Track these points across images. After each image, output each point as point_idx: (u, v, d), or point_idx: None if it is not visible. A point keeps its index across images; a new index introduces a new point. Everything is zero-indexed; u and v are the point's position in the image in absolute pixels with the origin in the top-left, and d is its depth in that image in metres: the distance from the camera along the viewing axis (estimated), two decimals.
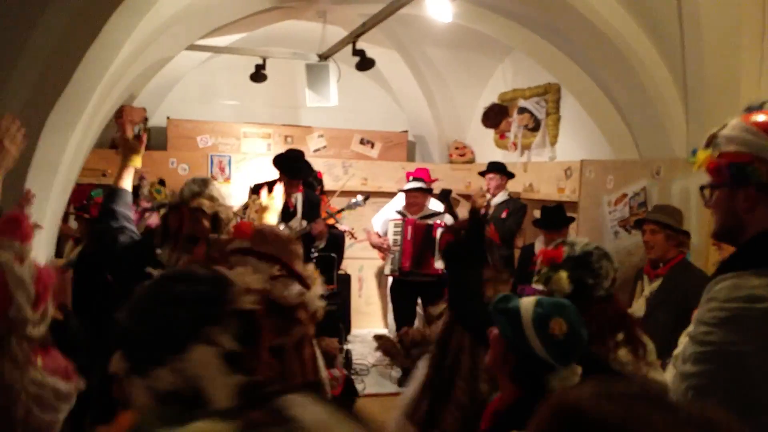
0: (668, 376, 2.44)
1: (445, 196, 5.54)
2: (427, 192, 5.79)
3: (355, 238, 6.38)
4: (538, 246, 4.85)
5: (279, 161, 5.23)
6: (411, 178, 5.99)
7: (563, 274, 2.26)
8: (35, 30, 3.15)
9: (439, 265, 5.49)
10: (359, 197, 5.63)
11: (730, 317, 1.50)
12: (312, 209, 5.37)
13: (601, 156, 5.33)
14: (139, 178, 5.32)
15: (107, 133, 5.99)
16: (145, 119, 7.01)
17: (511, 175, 5.83)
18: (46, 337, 1.72)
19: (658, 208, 3.81)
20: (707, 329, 1.54)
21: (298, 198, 5.32)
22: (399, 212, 5.84)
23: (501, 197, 5.74)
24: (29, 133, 3.43)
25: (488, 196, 5.80)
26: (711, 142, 1.69)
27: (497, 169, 5.77)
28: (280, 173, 5.19)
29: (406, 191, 5.74)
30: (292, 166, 5.19)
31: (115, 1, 3.17)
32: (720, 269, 1.62)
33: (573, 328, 1.77)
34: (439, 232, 5.47)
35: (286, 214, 5.25)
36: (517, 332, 1.80)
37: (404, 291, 5.83)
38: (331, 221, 5.87)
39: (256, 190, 5.30)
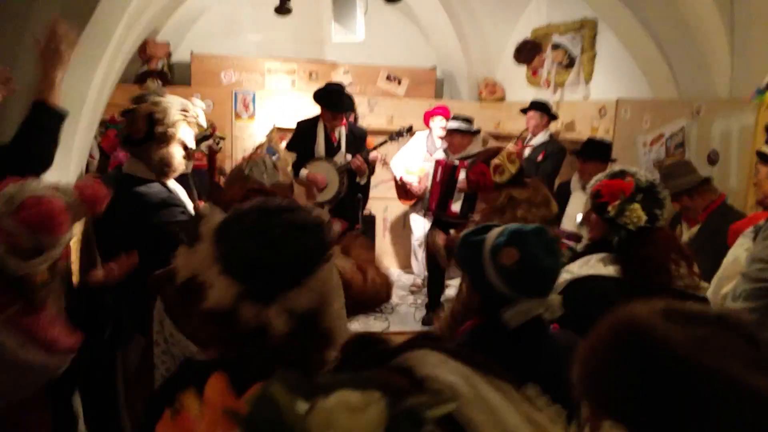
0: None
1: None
2: (467, 132, 5.65)
3: (387, 164, 6.32)
4: (575, 183, 4.74)
5: (320, 95, 5.18)
6: (452, 116, 5.85)
7: (637, 206, 2.24)
8: None
9: (455, 207, 5.40)
10: (402, 129, 5.60)
11: None
12: (356, 143, 5.33)
13: (638, 95, 5.13)
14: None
15: (131, 68, 5.92)
16: (169, 54, 6.90)
17: (553, 117, 5.65)
18: (43, 299, 1.74)
19: (666, 175, 3.59)
20: (763, 266, 1.52)
21: (342, 132, 5.27)
22: (444, 151, 5.77)
23: (540, 138, 5.56)
24: None
25: (529, 135, 5.65)
26: None
27: (539, 107, 5.57)
28: (322, 108, 5.13)
29: (447, 131, 5.66)
30: (334, 100, 5.13)
31: None
32: None
33: (527, 256, 1.66)
34: (462, 173, 5.36)
35: (330, 148, 5.22)
36: (477, 264, 1.72)
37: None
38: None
39: (303, 127, 5.28)
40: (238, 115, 6.81)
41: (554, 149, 5.42)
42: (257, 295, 1.21)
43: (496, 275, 1.68)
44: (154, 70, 6.58)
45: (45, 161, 2.47)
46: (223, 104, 6.76)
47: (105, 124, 5.50)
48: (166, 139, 2.71)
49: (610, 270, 2.23)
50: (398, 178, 6.26)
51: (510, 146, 3.27)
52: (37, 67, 2.52)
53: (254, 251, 1.23)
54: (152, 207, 2.64)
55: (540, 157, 5.37)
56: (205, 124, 2.88)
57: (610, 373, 0.84)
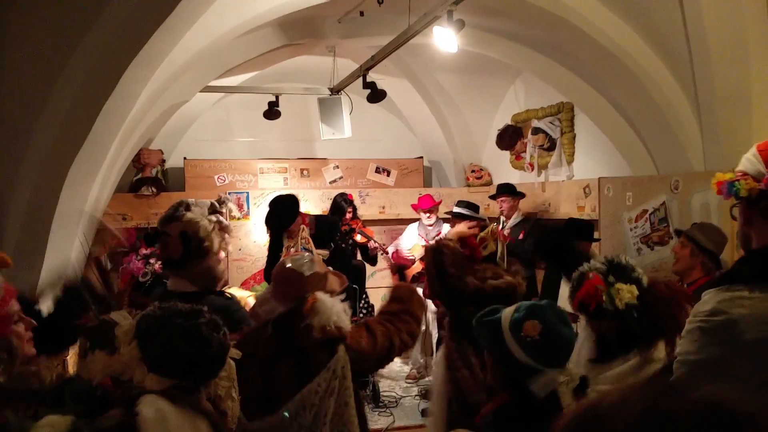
0: None
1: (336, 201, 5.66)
2: (470, 219, 5.57)
3: (386, 252, 6.40)
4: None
5: (267, 220, 5.15)
6: (457, 201, 5.99)
7: (621, 285, 2.23)
8: (54, 86, 3.23)
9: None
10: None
11: (690, 329, 1.61)
12: (324, 234, 5.25)
13: (619, 173, 5.30)
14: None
15: (126, 177, 6.10)
16: (163, 161, 7.11)
17: (521, 195, 5.85)
18: None
19: (698, 226, 3.65)
20: (679, 341, 1.66)
21: (305, 231, 5.26)
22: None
23: (516, 219, 5.77)
24: (52, 186, 3.53)
25: (502, 218, 5.82)
26: None
27: (508, 191, 5.79)
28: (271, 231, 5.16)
29: (452, 215, 5.79)
30: (274, 221, 5.09)
31: (130, 54, 3.25)
32: (708, 285, 1.69)
33: (548, 327, 1.77)
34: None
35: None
36: (498, 341, 1.82)
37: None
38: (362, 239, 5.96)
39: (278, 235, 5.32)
40: (232, 216, 6.93)
41: (532, 227, 5.68)
42: (186, 388, 1.43)
43: (519, 348, 1.78)
44: (148, 177, 6.76)
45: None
46: None
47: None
48: (203, 253, 2.69)
49: (659, 357, 2.20)
50: (390, 254, 6.33)
51: (493, 226, 3.36)
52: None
53: (185, 351, 1.44)
54: (235, 321, 2.60)
55: (521, 236, 5.55)
56: (239, 214, 2.96)
57: None
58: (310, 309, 2.35)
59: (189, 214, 2.75)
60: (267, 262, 5.26)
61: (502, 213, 5.86)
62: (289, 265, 2.47)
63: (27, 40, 3.11)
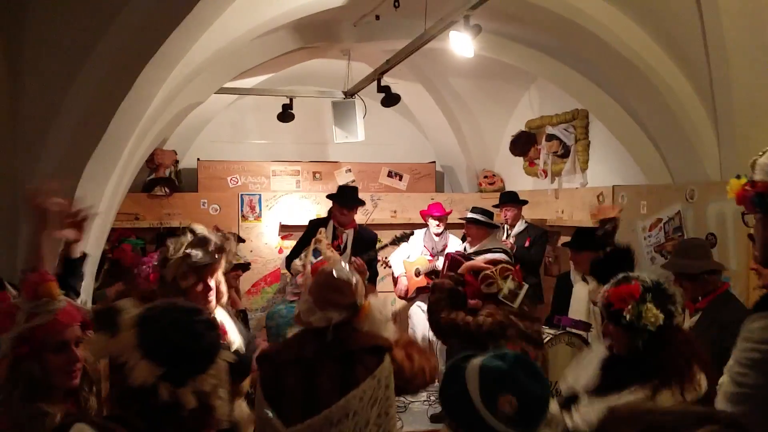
0: None
1: None
2: (484, 225, 5.54)
3: (390, 266, 6.39)
4: (575, 275, 4.75)
5: (333, 194, 5.52)
6: (472, 207, 5.88)
7: (651, 306, 2.23)
8: (71, 86, 3.25)
9: None
10: (405, 234, 5.74)
11: (763, 359, 1.49)
12: (364, 245, 5.37)
13: (633, 181, 5.27)
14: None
15: (139, 177, 6.12)
16: (176, 161, 7.14)
17: (524, 203, 5.85)
18: None
19: (679, 252, 3.54)
20: (742, 370, 1.52)
21: (349, 235, 5.36)
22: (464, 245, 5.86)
23: (520, 227, 5.78)
24: (67, 186, 3.55)
25: (506, 227, 5.80)
26: (752, 168, 1.71)
27: (511, 200, 5.77)
28: (333, 205, 5.41)
29: (466, 221, 5.74)
30: (344, 196, 5.46)
31: (147, 54, 3.27)
32: (758, 305, 1.59)
33: (524, 396, 1.62)
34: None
35: (336, 249, 5.29)
36: (470, 414, 1.64)
37: None
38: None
39: (314, 225, 5.42)
40: (244, 217, 6.96)
41: (537, 234, 5.69)
42: (174, 377, 1.51)
43: (497, 422, 1.62)
44: (161, 178, 6.79)
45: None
46: (230, 207, 6.93)
47: (119, 239, 5.64)
48: (177, 291, 2.58)
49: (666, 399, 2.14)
50: (395, 276, 6.32)
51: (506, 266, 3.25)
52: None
53: (178, 341, 1.53)
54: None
55: (526, 243, 5.53)
56: (242, 258, 2.88)
57: None
58: (366, 316, 2.39)
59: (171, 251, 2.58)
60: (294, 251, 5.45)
61: (506, 221, 5.82)
62: (335, 274, 2.46)
63: (45, 40, 3.14)
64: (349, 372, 2.34)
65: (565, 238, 5.90)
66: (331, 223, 5.39)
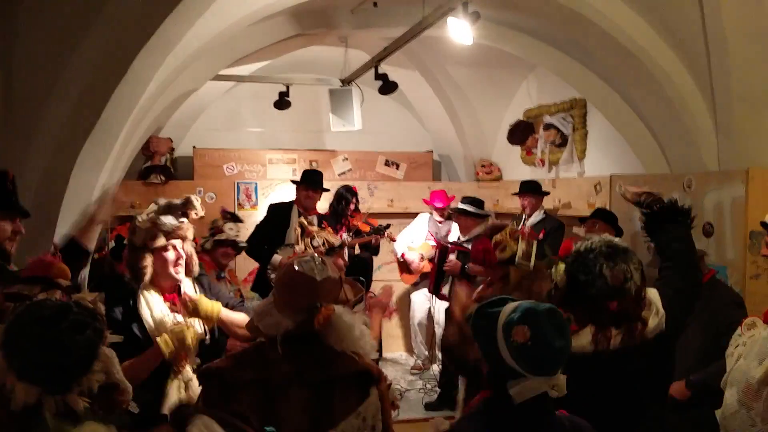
0: (728, 399, 2.38)
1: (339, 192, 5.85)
2: (475, 215, 5.65)
3: (394, 240, 6.43)
4: None
5: (299, 179, 5.48)
6: (462, 198, 5.93)
7: (561, 266, 2.32)
8: (64, 70, 3.22)
9: (445, 290, 5.45)
10: (381, 226, 5.74)
11: None
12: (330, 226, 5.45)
13: (631, 170, 5.25)
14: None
15: (134, 165, 6.09)
16: (172, 149, 7.10)
17: (545, 194, 5.77)
18: None
19: None
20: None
21: (314, 220, 5.34)
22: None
23: (537, 217, 5.66)
24: (61, 172, 3.53)
25: (524, 216, 5.75)
26: None
27: (530, 189, 5.69)
28: (299, 188, 5.40)
29: (455, 212, 5.74)
30: (310, 177, 5.45)
31: (141, 39, 3.23)
32: None
33: (538, 335, 1.69)
34: (452, 256, 5.42)
35: (302, 234, 5.27)
36: (490, 337, 1.75)
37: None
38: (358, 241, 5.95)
39: (276, 210, 5.39)
40: (240, 206, 6.94)
41: (553, 226, 5.53)
42: (55, 390, 1.47)
43: (507, 350, 1.71)
44: (157, 166, 6.75)
45: None
46: (226, 195, 6.90)
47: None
48: (132, 249, 2.76)
49: (582, 339, 2.21)
50: (400, 255, 6.33)
51: (512, 225, 3.31)
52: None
53: (45, 359, 1.46)
54: None
55: (541, 235, 5.42)
56: (202, 213, 2.93)
57: None
58: (322, 323, 1.88)
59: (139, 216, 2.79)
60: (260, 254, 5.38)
61: (524, 210, 5.77)
62: (296, 267, 1.97)
63: (37, 24, 3.10)
64: (324, 404, 1.88)
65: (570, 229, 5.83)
66: (295, 208, 5.34)
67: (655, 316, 2.28)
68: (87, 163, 3.68)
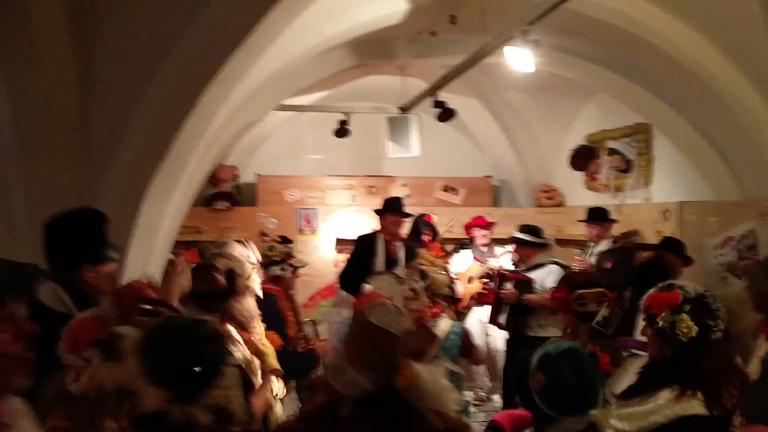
0: None
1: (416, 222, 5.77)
2: (530, 244, 5.36)
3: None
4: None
5: (381, 207, 5.41)
6: (519, 226, 5.66)
7: (686, 317, 2.20)
8: (138, 105, 3.36)
9: (501, 319, 5.29)
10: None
11: None
12: (412, 258, 5.32)
13: (700, 197, 5.07)
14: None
15: (201, 192, 6.28)
16: (236, 176, 7.30)
17: (613, 221, 5.59)
18: None
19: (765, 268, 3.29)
20: None
21: (400, 247, 5.33)
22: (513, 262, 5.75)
23: (604, 246, 5.46)
24: (133, 200, 3.66)
25: (591, 245, 5.58)
26: None
27: (595, 217, 5.52)
28: (383, 217, 5.32)
29: (513, 241, 5.59)
30: (394, 204, 5.36)
31: (209, 74, 3.35)
32: None
33: (554, 379, 1.83)
34: (508, 284, 5.26)
35: (389, 262, 5.27)
36: (524, 385, 1.89)
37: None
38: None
39: (362, 242, 5.41)
40: (301, 231, 7.04)
41: (621, 256, 5.27)
42: (184, 398, 1.51)
43: (536, 396, 1.85)
44: (222, 192, 6.94)
45: None
46: (287, 221, 7.03)
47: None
48: (244, 292, 2.80)
49: (694, 406, 2.11)
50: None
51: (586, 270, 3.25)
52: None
53: (179, 363, 1.52)
54: None
55: (609, 264, 5.22)
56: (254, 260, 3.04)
57: None
58: (405, 384, 1.73)
59: (234, 254, 2.89)
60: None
61: (591, 239, 5.60)
62: (373, 320, 1.81)
63: (113, 63, 3.25)
64: None
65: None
66: (381, 237, 5.35)
67: None
68: (158, 191, 3.80)
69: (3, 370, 1.53)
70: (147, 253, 3.98)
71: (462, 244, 6.07)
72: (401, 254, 5.33)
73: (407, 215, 5.40)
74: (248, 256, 3.10)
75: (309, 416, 1.93)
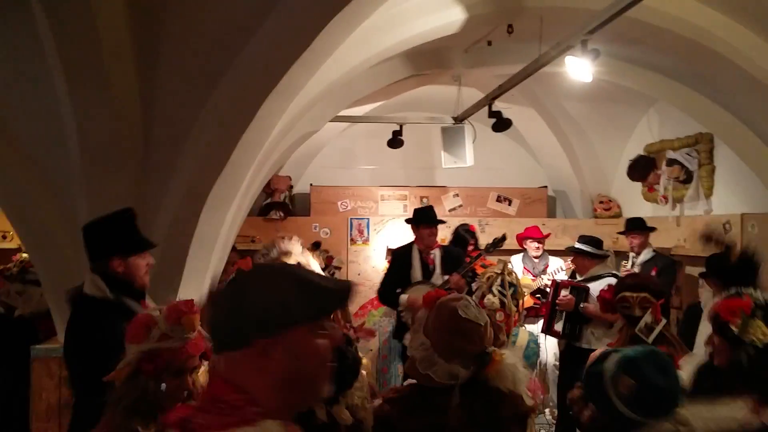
0: None
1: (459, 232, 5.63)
2: (589, 255, 5.22)
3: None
4: (708, 303, 4.44)
5: (411, 218, 5.40)
6: (579, 237, 5.65)
7: (761, 324, 2.20)
8: (197, 119, 3.46)
9: (558, 326, 5.21)
10: (496, 239, 5.54)
11: None
12: (453, 263, 5.30)
13: (763, 208, 4.88)
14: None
15: (256, 201, 6.40)
16: (290, 187, 7.42)
17: (651, 229, 5.51)
18: None
19: None
20: None
21: (436, 254, 5.32)
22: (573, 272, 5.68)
23: (646, 255, 5.44)
24: (191, 212, 3.76)
25: (632, 255, 5.51)
26: None
27: (638, 226, 5.48)
28: (415, 228, 5.30)
29: (572, 251, 5.51)
30: (424, 215, 5.33)
31: (268, 87, 3.42)
32: None
33: (643, 382, 1.76)
34: (563, 292, 5.23)
35: (426, 271, 5.28)
36: (601, 393, 1.81)
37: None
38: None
39: (398, 254, 5.43)
40: (353, 241, 7.10)
41: (665, 264, 5.32)
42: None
43: (619, 403, 1.78)
44: (277, 202, 7.06)
45: None
46: (340, 230, 7.10)
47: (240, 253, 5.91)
48: None
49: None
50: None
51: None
52: None
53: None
54: None
55: (653, 273, 5.20)
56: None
57: None
58: (497, 370, 1.94)
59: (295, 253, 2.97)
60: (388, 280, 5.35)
61: (632, 249, 5.55)
62: (462, 313, 1.95)
63: (173, 78, 3.35)
64: None
65: (690, 269, 5.55)
66: (415, 248, 5.35)
67: None
68: (216, 202, 3.89)
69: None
70: (204, 262, 4.08)
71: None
72: (437, 261, 5.31)
73: (440, 222, 5.37)
74: (307, 262, 3.15)
75: (399, 402, 1.98)
